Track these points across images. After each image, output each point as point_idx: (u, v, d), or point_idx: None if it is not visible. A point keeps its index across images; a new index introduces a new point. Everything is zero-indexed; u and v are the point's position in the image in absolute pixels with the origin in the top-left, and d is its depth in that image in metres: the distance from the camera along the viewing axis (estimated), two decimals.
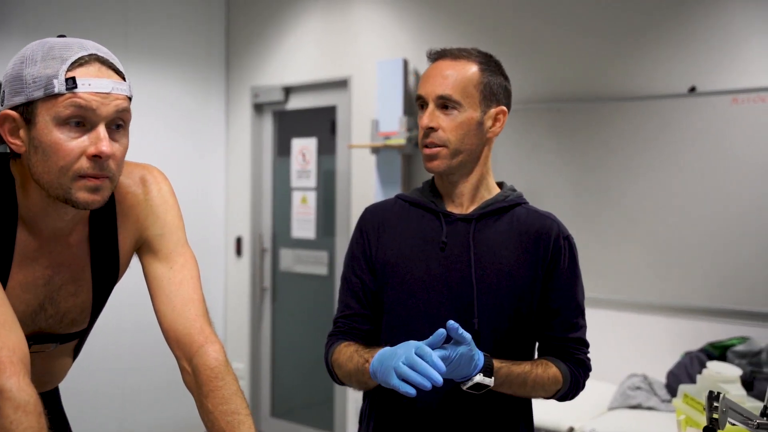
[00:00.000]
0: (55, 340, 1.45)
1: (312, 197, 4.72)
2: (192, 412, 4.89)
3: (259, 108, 5.00)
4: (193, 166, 4.89)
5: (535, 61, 3.72)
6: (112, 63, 1.28)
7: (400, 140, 3.99)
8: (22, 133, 1.25)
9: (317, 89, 4.69)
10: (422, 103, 1.68)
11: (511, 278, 1.64)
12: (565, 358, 1.68)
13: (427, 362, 1.37)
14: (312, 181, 4.71)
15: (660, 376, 3.21)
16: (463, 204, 1.70)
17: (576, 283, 1.70)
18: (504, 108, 1.72)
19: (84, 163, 1.23)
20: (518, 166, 3.69)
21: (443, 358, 1.41)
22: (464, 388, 1.51)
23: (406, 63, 4.07)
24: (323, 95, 4.67)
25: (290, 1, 4.76)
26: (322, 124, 4.73)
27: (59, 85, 1.21)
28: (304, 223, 4.76)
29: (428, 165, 1.67)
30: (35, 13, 4.22)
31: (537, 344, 1.75)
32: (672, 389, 3.06)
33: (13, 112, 1.24)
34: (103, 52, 1.28)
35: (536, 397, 1.68)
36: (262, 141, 5.03)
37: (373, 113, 4.22)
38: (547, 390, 1.64)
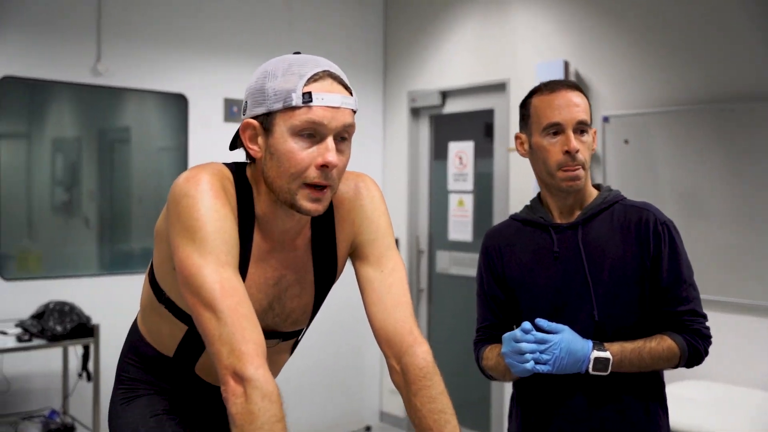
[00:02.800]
0: (278, 337, 1.56)
1: (469, 200, 4.76)
2: (341, 411, 5.00)
3: (415, 112, 5.10)
4: (351, 169, 5.05)
5: (703, 59, 3.57)
6: (342, 79, 1.38)
7: None
8: (260, 140, 1.38)
9: (474, 93, 4.72)
10: (558, 129, 1.85)
11: (620, 269, 1.83)
12: (680, 330, 1.82)
13: (517, 340, 1.75)
14: (469, 184, 4.75)
15: None
16: (569, 213, 1.92)
17: (680, 261, 1.84)
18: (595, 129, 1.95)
19: (312, 173, 1.34)
20: (679, 171, 3.55)
21: (543, 341, 1.74)
22: (591, 371, 1.75)
23: (567, 65, 4.03)
24: (480, 99, 4.69)
25: (447, 6, 4.82)
26: (479, 128, 4.75)
27: (296, 99, 1.32)
28: (460, 225, 4.81)
29: (569, 184, 1.85)
30: (221, 34, 4.51)
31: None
32: None
33: (254, 121, 1.37)
34: (334, 68, 1.38)
35: (660, 368, 1.85)
36: (418, 144, 5.12)
37: None
38: (667, 360, 1.81)
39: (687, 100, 3.59)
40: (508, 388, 4.38)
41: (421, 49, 5.01)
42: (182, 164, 4.48)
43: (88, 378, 3.78)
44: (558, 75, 4.03)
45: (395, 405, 5.18)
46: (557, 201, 1.91)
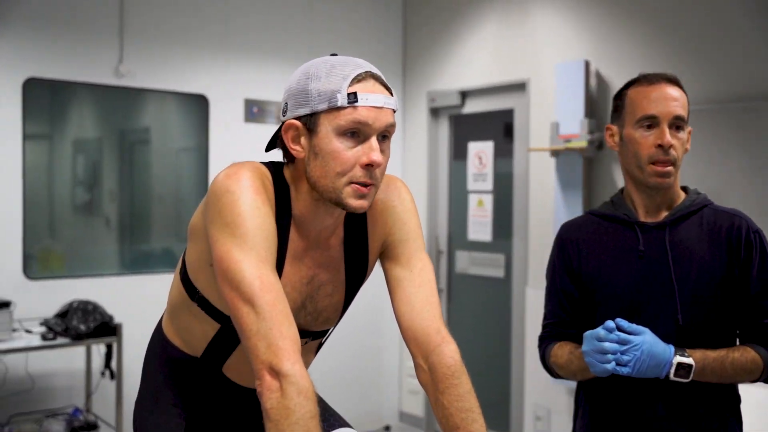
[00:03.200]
0: (308, 335, 1.57)
1: (488, 200, 4.75)
2: (360, 411, 5.01)
3: (435, 112, 5.10)
4: None
5: (725, 58, 3.55)
6: (383, 79, 1.40)
7: (582, 143, 3.94)
8: (303, 140, 1.40)
9: (494, 93, 4.72)
10: (652, 122, 1.81)
11: (708, 275, 1.78)
12: (764, 343, 1.78)
13: (600, 339, 1.69)
14: (489, 184, 4.74)
15: None
16: (655, 213, 1.87)
17: None
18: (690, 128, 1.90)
19: (357, 171, 1.37)
20: (701, 171, 3.49)
21: (625, 341, 1.67)
22: (672, 377, 1.69)
23: (587, 64, 4.01)
24: (500, 99, 4.69)
25: (466, 6, 4.82)
26: (499, 128, 4.75)
27: (342, 99, 1.34)
28: (480, 225, 4.80)
29: (659, 180, 1.81)
30: (237, 31, 4.54)
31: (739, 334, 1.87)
32: None
33: (297, 122, 1.39)
34: (375, 69, 1.41)
35: (741, 381, 1.80)
36: (438, 145, 5.13)
37: (553, 116, 4.19)
38: (749, 372, 1.76)
39: (709, 99, 3.57)
40: (527, 388, 4.38)
41: (440, 49, 5.01)
42: (203, 165, 4.52)
43: (111, 376, 3.82)
44: (579, 75, 4.02)
45: (415, 405, 5.18)
46: (644, 198, 1.86)
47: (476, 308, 4.91)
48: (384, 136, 1.39)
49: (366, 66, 1.39)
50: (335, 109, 1.35)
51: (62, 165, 4.23)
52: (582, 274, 1.90)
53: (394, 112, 1.41)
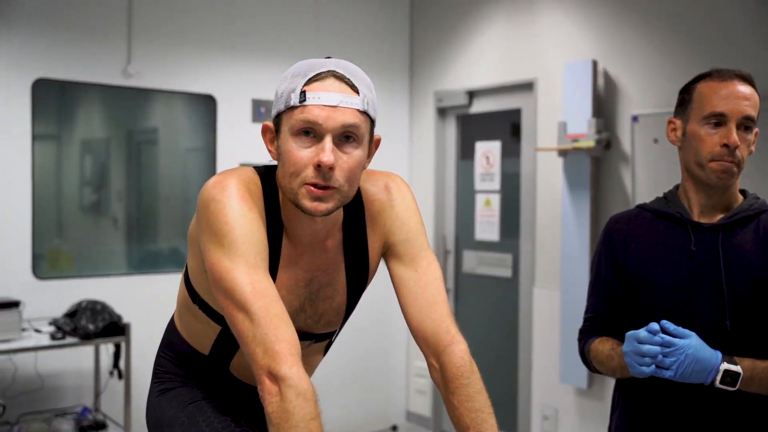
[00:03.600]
0: (311, 338, 1.57)
1: (496, 200, 4.75)
2: (368, 411, 5.02)
3: (442, 112, 5.10)
4: (376, 169, 5.06)
5: (732, 56, 3.53)
6: (348, 79, 1.37)
7: (590, 142, 3.93)
8: (275, 142, 1.41)
9: (501, 92, 4.71)
10: (720, 120, 1.74)
11: (761, 282, 1.71)
12: None
13: (641, 341, 1.63)
14: (496, 184, 4.74)
15: None
16: (710, 213, 1.80)
17: None
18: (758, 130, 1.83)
19: (310, 172, 1.34)
20: None
21: (669, 344, 1.61)
22: (717, 384, 1.63)
23: (595, 64, 4.01)
24: (507, 98, 4.68)
25: (473, 6, 4.82)
26: (506, 127, 4.75)
27: (294, 98, 1.34)
28: (487, 225, 4.80)
29: (722, 176, 1.74)
30: (246, 36, 4.55)
31: None
32: None
33: (270, 124, 1.41)
34: (342, 68, 1.38)
35: None
36: (445, 144, 5.12)
37: (560, 115, 4.18)
38: None
39: None
40: (534, 388, 4.37)
41: (447, 49, 5.01)
42: (210, 165, 4.53)
43: (120, 376, 3.83)
44: (586, 75, 4.01)
45: (421, 405, 5.18)
46: (701, 198, 1.80)
47: (484, 308, 4.90)
48: (347, 137, 1.36)
49: (332, 65, 1.37)
50: (290, 108, 1.34)
51: (70, 165, 4.25)
52: (627, 269, 1.85)
53: (365, 113, 1.37)
